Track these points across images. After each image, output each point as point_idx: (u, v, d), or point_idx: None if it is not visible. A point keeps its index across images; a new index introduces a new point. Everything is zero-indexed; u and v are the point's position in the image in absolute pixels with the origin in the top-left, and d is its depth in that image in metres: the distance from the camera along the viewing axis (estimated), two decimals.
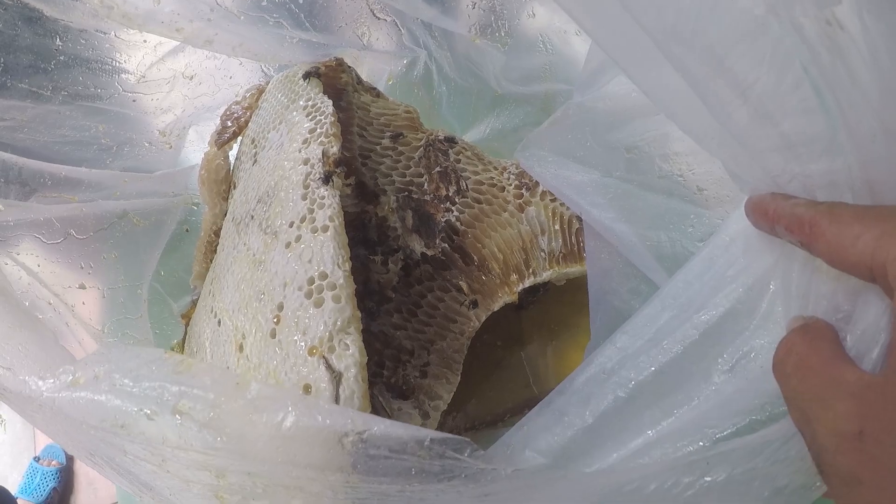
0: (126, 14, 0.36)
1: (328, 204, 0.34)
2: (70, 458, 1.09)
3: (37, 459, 1.07)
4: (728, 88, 0.21)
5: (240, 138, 0.46)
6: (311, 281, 0.32)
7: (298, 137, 0.38)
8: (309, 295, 0.32)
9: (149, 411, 0.25)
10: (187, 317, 0.51)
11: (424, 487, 0.26)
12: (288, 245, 0.34)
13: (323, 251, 0.33)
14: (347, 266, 0.32)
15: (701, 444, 0.26)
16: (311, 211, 0.34)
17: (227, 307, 0.36)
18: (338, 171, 0.35)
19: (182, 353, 0.49)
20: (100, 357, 0.27)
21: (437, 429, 0.35)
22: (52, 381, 0.26)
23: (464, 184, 0.42)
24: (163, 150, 0.45)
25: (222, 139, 0.44)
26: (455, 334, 0.39)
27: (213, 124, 0.50)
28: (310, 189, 0.35)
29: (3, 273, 0.35)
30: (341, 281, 0.32)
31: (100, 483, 1.03)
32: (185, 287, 0.51)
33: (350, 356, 0.31)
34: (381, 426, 0.25)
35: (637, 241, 0.38)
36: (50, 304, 0.39)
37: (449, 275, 0.40)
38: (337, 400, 0.30)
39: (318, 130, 0.37)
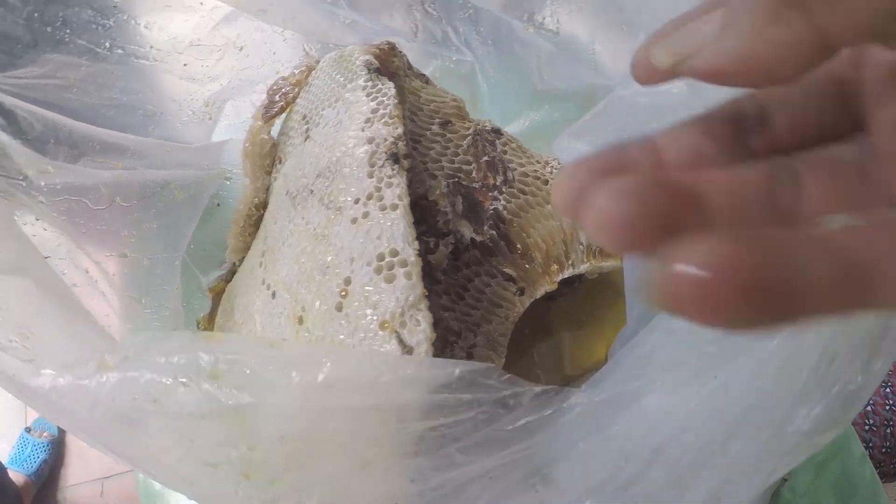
0: None
1: (396, 183, 0.35)
2: (62, 431, 1.05)
3: (28, 430, 1.04)
4: None
5: (284, 114, 0.46)
6: (381, 257, 0.33)
7: (360, 116, 0.38)
8: (379, 270, 0.33)
9: (184, 379, 0.25)
10: (215, 290, 0.50)
11: (458, 419, 0.27)
12: (354, 221, 0.34)
13: (393, 229, 0.33)
14: (416, 244, 0.33)
15: None
16: (378, 189, 0.35)
17: (283, 279, 0.36)
18: (404, 151, 0.36)
19: (211, 326, 0.48)
20: (128, 341, 0.27)
21: None
22: (80, 367, 0.26)
23: (510, 174, 0.43)
24: (202, 122, 0.45)
25: (269, 114, 0.44)
26: (500, 318, 0.40)
27: (248, 99, 0.50)
28: (375, 167, 0.35)
29: (35, 249, 0.34)
30: (412, 258, 0.33)
31: (91, 456, 1.00)
32: (212, 261, 0.51)
33: (421, 332, 0.31)
34: (413, 366, 0.26)
35: None
36: (87, 272, 0.38)
37: (495, 261, 0.41)
38: None
39: (382, 111, 0.38)
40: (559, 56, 0.43)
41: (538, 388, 0.25)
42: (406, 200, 0.34)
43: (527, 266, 0.42)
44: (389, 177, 0.35)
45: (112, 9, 0.38)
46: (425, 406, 0.24)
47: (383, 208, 0.34)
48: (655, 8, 0.40)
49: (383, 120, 0.37)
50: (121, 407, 0.24)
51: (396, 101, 0.38)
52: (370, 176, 0.35)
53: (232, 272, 0.50)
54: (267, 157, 0.44)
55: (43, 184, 0.34)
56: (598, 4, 0.40)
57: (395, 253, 0.33)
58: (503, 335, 0.40)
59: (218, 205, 0.50)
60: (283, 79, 0.45)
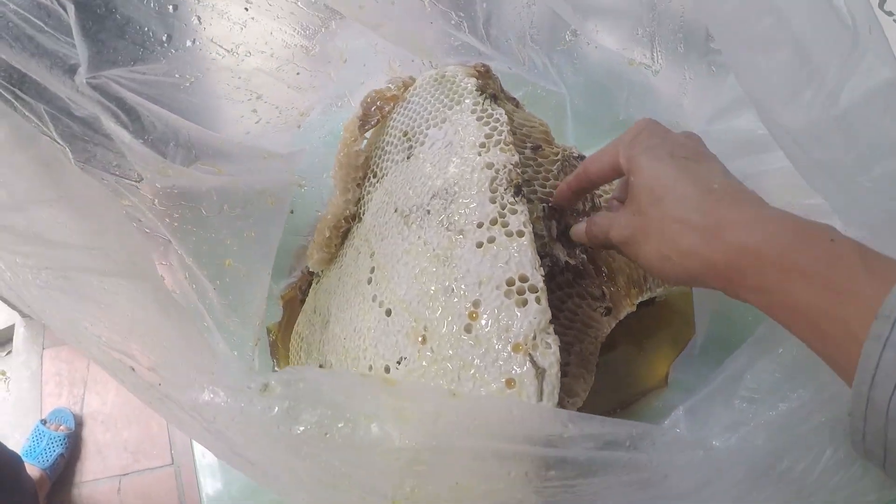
0: None
1: (520, 210, 0.36)
2: (79, 424, 1.02)
3: (44, 422, 1.00)
4: None
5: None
6: (510, 282, 0.34)
7: (473, 140, 0.39)
8: (509, 295, 0.34)
9: (365, 418, 0.26)
10: (286, 298, 0.51)
11: (630, 478, 0.29)
12: (480, 245, 0.36)
13: (521, 255, 0.35)
14: (542, 271, 0.35)
15: None
16: (503, 215, 0.36)
17: (401, 298, 0.37)
18: (522, 179, 0.37)
19: (284, 335, 0.49)
20: (292, 372, 0.28)
21: None
22: (242, 391, 0.27)
23: (597, 201, 0.45)
24: (290, 129, 0.45)
25: (365, 126, 0.44)
26: (591, 338, 0.42)
27: (333, 108, 0.50)
28: (498, 193, 0.37)
29: (151, 255, 0.34)
30: (541, 284, 0.34)
31: (109, 452, 0.97)
32: (281, 268, 0.51)
33: (552, 354, 0.33)
34: (594, 424, 0.28)
35: None
36: (187, 277, 0.38)
37: (585, 283, 0.43)
38: (540, 394, 0.33)
39: (497, 137, 0.39)
40: (650, 92, 0.45)
41: (702, 452, 0.27)
42: (531, 227, 0.36)
43: (612, 289, 0.44)
44: (513, 203, 0.36)
45: (244, 11, 0.38)
46: (597, 461, 0.26)
47: (510, 234, 0.36)
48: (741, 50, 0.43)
49: (499, 146, 0.39)
50: (283, 434, 0.25)
51: (509, 127, 0.40)
52: (493, 201, 0.37)
53: (306, 282, 0.50)
54: (360, 170, 0.45)
55: (159, 186, 0.34)
56: (695, 48, 0.43)
57: (524, 279, 0.34)
58: (593, 354, 0.42)
59: (292, 212, 0.50)
60: (378, 92, 0.46)
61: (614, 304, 0.44)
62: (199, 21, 0.41)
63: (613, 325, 0.43)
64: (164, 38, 0.39)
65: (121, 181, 0.36)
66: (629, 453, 0.27)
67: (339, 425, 0.26)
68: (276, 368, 0.50)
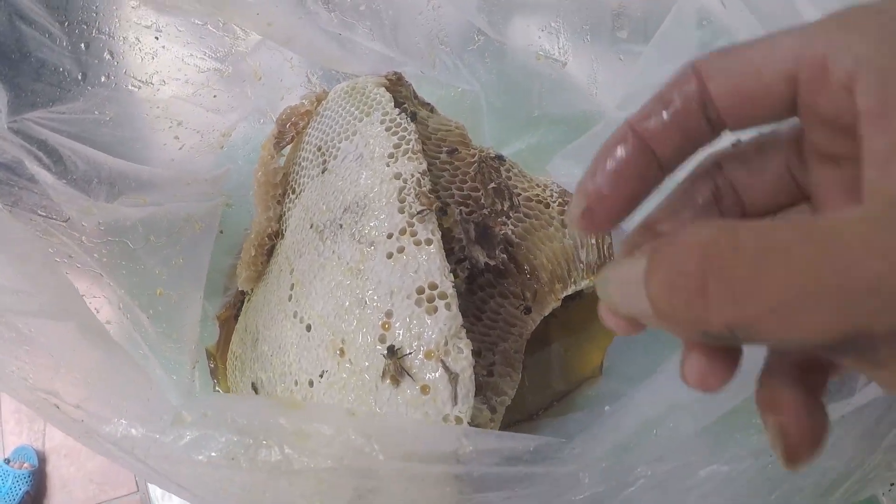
0: (218, 2, 0.37)
1: (428, 218, 0.37)
2: (42, 460, 1.01)
3: (7, 462, 0.99)
4: None
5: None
6: (420, 290, 0.35)
7: (382, 151, 0.40)
8: (419, 303, 0.35)
9: (266, 441, 0.27)
10: (221, 318, 0.51)
11: (531, 491, 0.30)
12: (390, 255, 0.36)
13: (430, 263, 0.36)
14: (452, 276, 0.36)
15: None
16: (411, 224, 0.37)
17: (319, 313, 0.38)
18: (429, 187, 0.38)
19: (221, 355, 0.49)
20: (204, 401, 0.29)
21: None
22: (154, 423, 0.28)
23: (515, 200, 0.46)
24: (214, 151, 0.45)
25: (281, 144, 0.45)
26: (515, 336, 0.43)
27: (248, 126, 0.50)
28: (406, 203, 0.37)
29: (76, 291, 0.34)
30: (450, 290, 0.35)
31: (74, 485, 0.96)
32: (214, 287, 0.51)
33: (464, 358, 0.34)
34: (493, 439, 0.29)
35: None
36: (120, 308, 0.38)
37: (507, 283, 0.44)
38: (455, 398, 0.33)
39: (405, 147, 0.40)
40: (561, 84, 0.46)
41: (604, 463, 0.28)
42: (438, 235, 0.37)
43: (535, 286, 0.45)
44: (420, 212, 0.37)
45: (154, 41, 0.38)
46: (502, 477, 0.26)
47: (418, 243, 0.36)
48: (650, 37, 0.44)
49: (407, 155, 0.39)
50: (196, 461, 0.26)
51: (417, 135, 0.40)
52: (401, 211, 0.37)
53: (239, 300, 0.50)
54: (278, 187, 0.45)
55: (85, 224, 0.34)
56: (602, 38, 0.44)
57: (433, 286, 0.35)
58: (518, 351, 0.43)
59: (221, 232, 0.50)
60: (292, 108, 0.46)
61: (539, 301, 0.45)
62: (112, 55, 0.41)
63: (538, 321, 0.44)
64: (79, 77, 0.39)
65: (49, 221, 0.36)
66: (528, 467, 0.28)
67: (243, 451, 0.27)
68: (217, 388, 0.51)
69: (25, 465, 0.99)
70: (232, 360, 0.47)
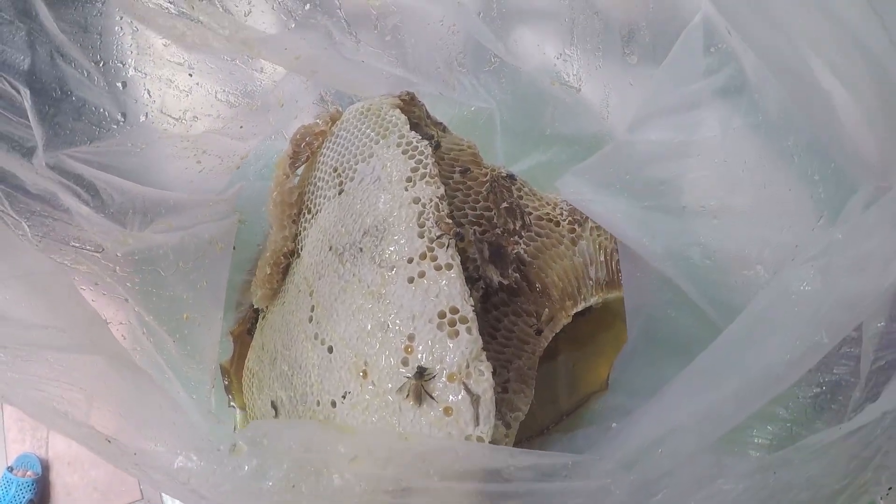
0: (246, 39, 0.37)
1: (447, 244, 0.38)
2: (46, 468, 1.01)
3: (10, 470, 0.99)
4: None
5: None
6: (442, 315, 0.36)
7: (400, 175, 0.41)
8: (441, 327, 0.36)
9: (326, 470, 0.28)
10: (235, 333, 0.51)
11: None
12: (411, 280, 0.37)
13: (450, 287, 0.37)
14: (472, 300, 0.37)
15: None
16: (431, 249, 0.38)
17: (341, 336, 0.38)
18: (448, 210, 0.39)
19: (236, 370, 0.50)
20: (256, 428, 0.30)
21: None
22: (210, 452, 0.28)
23: (527, 219, 0.47)
24: (231, 171, 0.46)
25: (296, 164, 0.45)
26: (528, 353, 0.44)
27: (266, 141, 0.51)
28: (425, 228, 0.38)
29: (104, 323, 0.35)
30: (471, 314, 0.36)
31: (78, 493, 0.96)
32: (228, 304, 0.52)
33: (485, 380, 0.35)
34: (533, 457, 0.30)
35: (664, 256, 0.45)
36: (144, 332, 0.39)
37: (520, 301, 0.45)
38: (477, 419, 0.35)
39: (422, 171, 0.40)
40: (574, 107, 0.47)
41: (632, 477, 0.29)
42: (458, 259, 0.37)
43: (546, 303, 0.46)
44: (440, 237, 0.38)
45: (189, 77, 0.39)
46: (544, 493, 0.28)
47: (438, 268, 0.37)
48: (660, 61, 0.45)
49: (425, 179, 0.40)
50: (255, 489, 0.27)
51: (433, 159, 0.41)
52: (421, 236, 0.38)
53: (252, 316, 0.51)
54: (294, 206, 0.46)
55: (119, 254, 0.35)
56: (613, 64, 0.45)
57: (455, 311, 0.36)
58: (531, 368, 0.44)
59: (234, 248, 0.51)
60: (306, 128, 0.47)
61: (550, 318, 0.46)
62: (149, 94, 0.42)
63: (550, 338, 0.45)
64: (118, 117, 0.40)
65: (80, 252, 0.36)
66: (565, 483, 0.29)
67: (304, 478, 0.28)
68: (231, 404, 0.51)
69: (29, 473, 0.99)
70: (248, 376, 0.48)
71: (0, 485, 0.99)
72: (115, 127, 0.37)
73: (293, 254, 0.46)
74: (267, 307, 0.48)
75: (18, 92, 0.34)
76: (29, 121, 0.34)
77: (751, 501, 0.32)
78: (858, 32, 0.30)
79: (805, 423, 0.35)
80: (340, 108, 0.47)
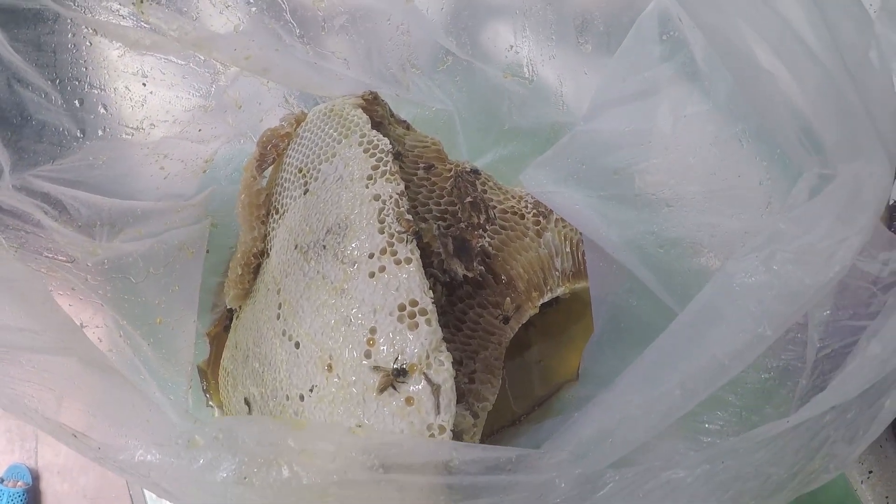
0: (197, 40, 0.38)
1: (407, 238, 0.39)
2: (36, 478, 1.02)
3: (1, 481, 1.00)
4: None
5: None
6: (401, 307, 0.37)
7: (361, 173, 0.42)
8: (401, 320, 0.37)
9: (276, 461, 0.29)
10: (211, 334, 0.52)
11: (510, 497, 0.32)
12: (372, 275, 0.38)
13: (410, 281, 0.37)
14: (431, 293, 0.38)
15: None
16: (391, 244, 0.39)
17: (307, 331, 0.39)
18: (407, 206, 0.40)
19: (212, 370, 0.50)
20: (213, 424, 0.31)
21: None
22: (169, 446, 0.29)
23: (491, 212, 0.48)
24: (197, 175, 0.47)
25: (263, 166, 0.46)
26: (495, 344, 0.45)
27: (229, 146, 0.52)
28: (386, 223, 0.39)
29: (77, 326, 0.36)
30: (430, 306, 0.37)
31: (69, 501, 0.97)
32: (204, 306, 0.53)
33: (445, 370, 0.36)
34: (478, 451, 0.31)
35: (621, 245, 0.46)
36: (120, 336, 0.40)
37: (485, 293, 0.46)
38: (438, 408, 0.36)
39: (382, 168, 0.41)
40: (530, 99, 0.48)
41: (578, 470, 0.30)
42: (418, 253, 0.38)
43: (512, 295, 0.47)
44: (400, 232, 0.39)
45: (143, 87, 0.40)
46: (489, 486, 0.29)
47: (398, 262, 0.38)
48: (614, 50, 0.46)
49: (385, 177, 0.41)
50: (209, 481, 0.27)
51: (392, 156, 0.42)
52: (381, 232, 0.39)
53: (227, 317, 0.52)
54: (262, 208, 0.47)
55: (90, 264, 0.36)
56: (567, 54, 0.46)
57: (414, 303, 0.37)
58: (497, 358, 0.45)
59: (207, 251, 0.51)
60: (272, 131, 0.47)
61: (516, 310, 0.47)
62: (105, 108, 0.43)
63: (517, 328, 0.46)
64: (77, 133, 0.41)
65: (54, 261, 0.37)
66: (510, 476, 0.30)
67: (255, 470, 0.29)
68: (210, 404, 0.52)
69: (20, 483, 1.00)
70: (224, 376, 0.49)
71: None
72: (76, 144, 0.38)
73: (263, 254, 0.47)
74: (240, 307, 0.49)
75: None
76: None
77: (700, 491, 0.33)
78: (798, 19, 0.31)
79: (755, 409, 0.36)
80: (305, 110, 0.48)
